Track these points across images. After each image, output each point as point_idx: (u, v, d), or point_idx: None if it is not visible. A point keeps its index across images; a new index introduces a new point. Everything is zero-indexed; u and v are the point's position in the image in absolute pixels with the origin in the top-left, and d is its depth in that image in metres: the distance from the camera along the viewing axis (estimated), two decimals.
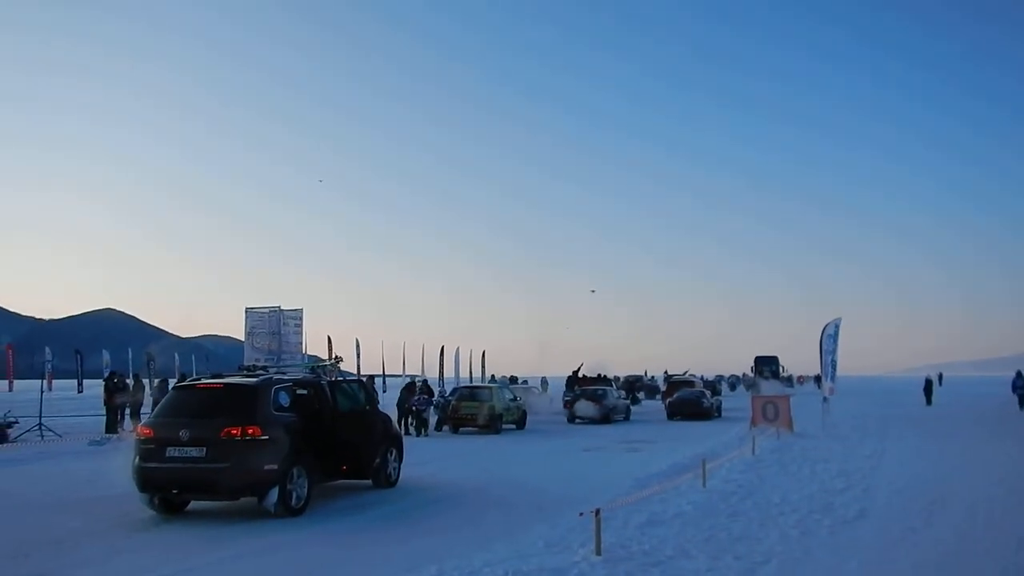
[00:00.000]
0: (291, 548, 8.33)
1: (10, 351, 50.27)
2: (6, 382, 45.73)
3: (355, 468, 11.35)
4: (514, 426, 25.79)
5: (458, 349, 40.82)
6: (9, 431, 19.90)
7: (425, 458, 16.05)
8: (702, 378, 45.94)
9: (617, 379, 39.33)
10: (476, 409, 24.33)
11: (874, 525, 8.92)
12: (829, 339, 25.51)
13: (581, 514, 7.77)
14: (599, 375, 35.99)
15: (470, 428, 24.15)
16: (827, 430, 21.80)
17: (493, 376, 40.16)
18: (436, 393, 25.02)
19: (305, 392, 11.24)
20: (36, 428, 20.45)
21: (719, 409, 32.69)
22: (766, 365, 57.33)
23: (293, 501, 9.84)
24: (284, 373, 11.92)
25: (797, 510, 9.75)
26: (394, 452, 12.42)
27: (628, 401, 33.03)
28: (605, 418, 28.20)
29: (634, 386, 44.55)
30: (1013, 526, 8.62)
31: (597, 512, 7.44)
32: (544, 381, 44.88)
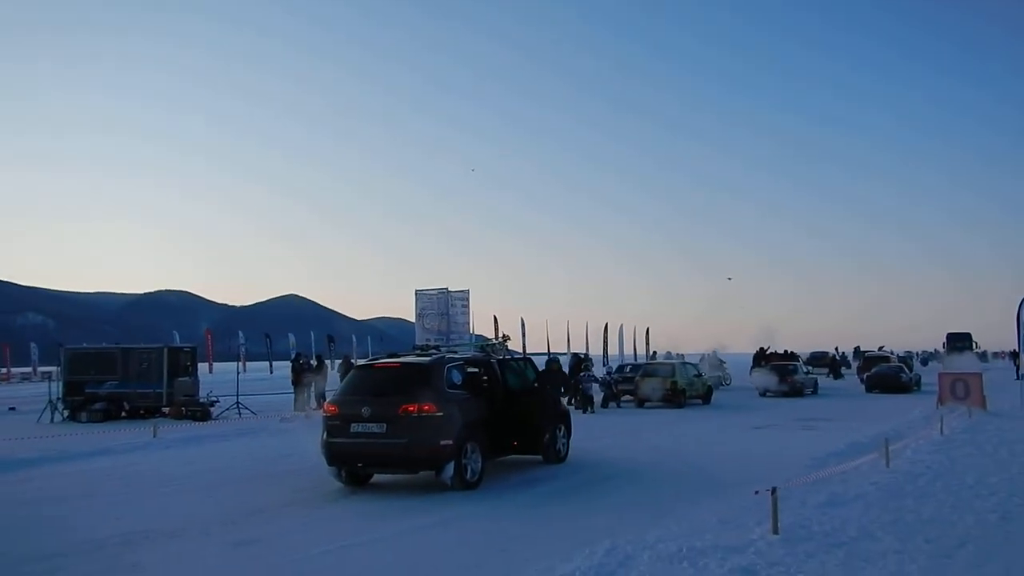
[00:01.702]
0: (468, 520, 8.67)
1: (209, 336, 54.82)
2: (207, 365, 49.97)
3: (525, 444, 11.63)
4: (700, 401, 26.54)
5: (622, 326, 40.75)
6: (212, 409, 21.81)
7: (594, 434, 16.20)
8: (893, 354, 45.35)
9: (799, 356, 39.00)
10: (659, 384, 25.25)
11: None
12: None
13: (756, 492, 7.60)
14: (787, 352, 36.72)
15: (655, 403, 25.03)
16: None
17: (670, 353, 39.55)
18: (591, 370, 25.37)
19: (476, 370, 11.61)
20: (234, 407, 22.19)
21: (918, 383, 32.88)
22: (959, 341, 56.63)
23: (468, 475, 10.23)
24: (455, 352, 12.35)
25: (995, 493, 9.08)
26: (563, 428, 12.62)
27: (815, 377, 34.00)
28: (797, 392, 29.64)
29: (836, 363, 47.21)
30: None
31: (774, 491, 7.25)
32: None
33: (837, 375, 44.55)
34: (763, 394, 30.09)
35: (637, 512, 8.67)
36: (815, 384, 32.53)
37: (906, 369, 34.65)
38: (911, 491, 9.22)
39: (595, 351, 38.42)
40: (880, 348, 47.84)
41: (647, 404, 25.35)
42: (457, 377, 10.84)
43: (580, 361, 26.55)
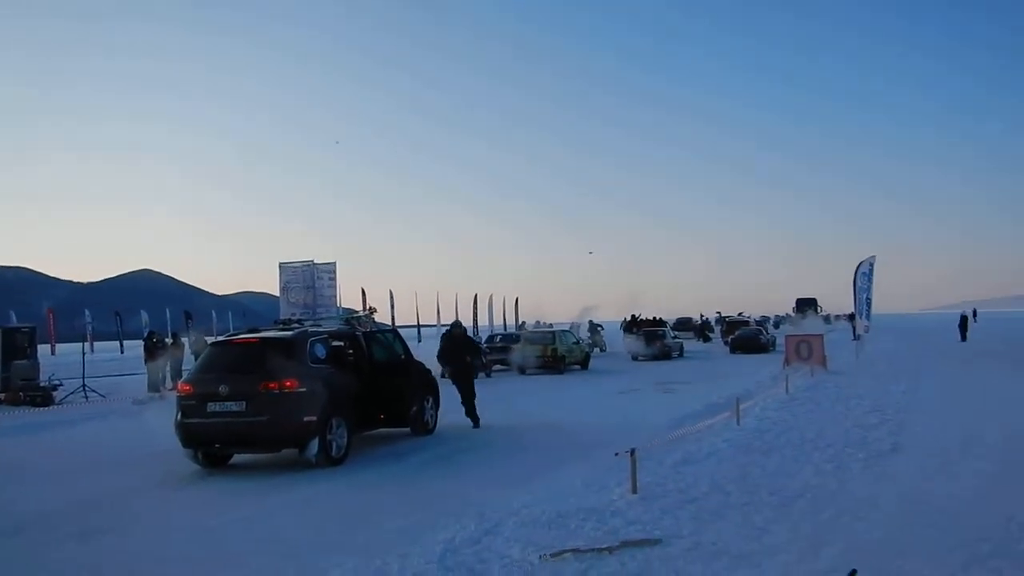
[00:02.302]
0: (334, 496, 8.57)
1: (51, 315, 51.38)
2: (48, 346, 46.82)
3: (393, 416, 11.58)
4: (578, 366, 28.15)
5: (491, 297, 41.10)
6: (54, 393, 20.41)
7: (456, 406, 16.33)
8: (751, 318, 50.52)
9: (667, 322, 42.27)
10: (540, 351, 26.56)
11: (908, 459, 8.93)
12: (863, 277, 25.34)
13: (617, 454, 7.88)
14: (655, 318, 39.47)
15: (536, 370, 26.26)
16: (861, 367, 21.74)
17: (535, 322, 40.19)
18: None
19: (341, 344, 11.43)
20: (80, 390, 20.94)
21: (774, 344, 35.92)
22: (806, 305, 64.06)
23: (334, 451, 10.08)
24: (319, 326, 12.11)
25: (832, 445, 9.79)
26: (431, 400, 12.63)
27: (681, 341, 37.27)
28: (665, 355, 32.42)
29: (704, 327, 52.14)
30: None
31: (632, 452, 7.54)
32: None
33: (706, 339, 48.49)
34: (635, 358, 32.46)
35: (505, 479, 8.82)
36: (681, 348, 35.35)
37: (765, 332, 38.41)
38: (758, 447, 9.82)
39: (466, 321, 38.60)
40: (740, 313, 52.70)
41: (528, 371, 26.29)
42: (321, 351, 10.63)
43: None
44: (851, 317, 29.95)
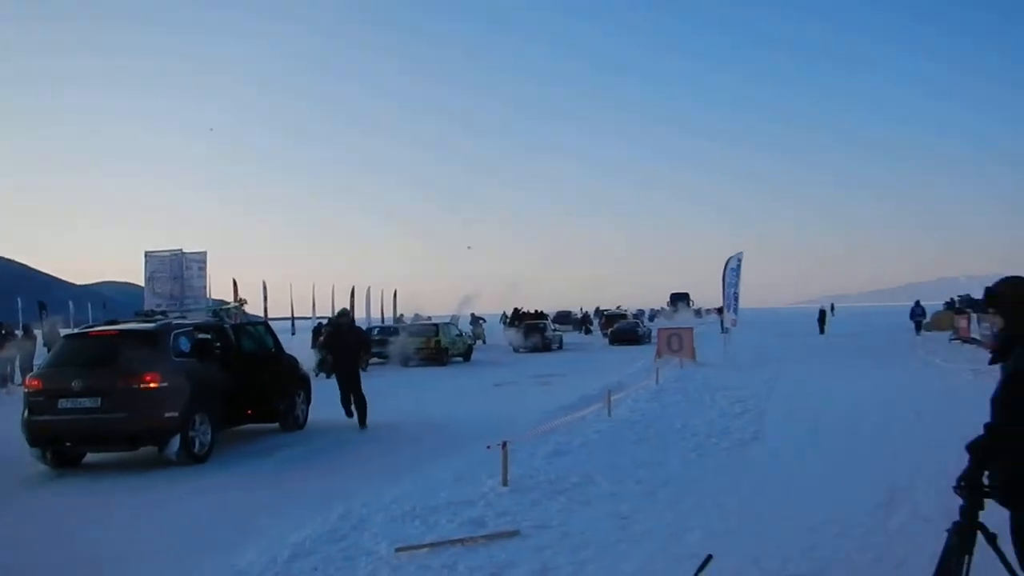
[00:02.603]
0: (198, 495, 8.24)
1: None
2: None
3: (262, 412, 11.22)
4: (461, 358, 28.57)
5: (369, 289, 40.53)
6: None
7: (335, 399, 16.00)
8: (627, 312, 53.22)
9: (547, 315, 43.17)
10: (423, 344, 26.89)
11: (767, 446, 9.37)
12: (732, 272, 26.38)
13: (488, 447, 7.89)
14: (536, 311, 40.55)
15: (419, 362, 26.45)
16: (727, 359, 22.66)
17: (414, 315, 39.89)
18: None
19: (207, 336, 10.98)
20: None
21: (650, 336, 36.86)
22: (679, 300, 65.98)
23: (196, 448, 9.67)
24: (185, 318, 11.60)
25: (697, 435, 10.15)
26: (302, 394, 12.32)
27: (561, 334, 38.03)
28: (546, 347, 33.23)
29: (585, 320, 54.14)
30: (893, 446, 9.17)
31: (504, 445, 7.57)
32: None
33: (587, 331, 50.68)
34: (516, 350, 33.20)
35: (376, 475, 8.68)
36: (561, 340, 36.28)
37: (641, 324, 40.40)
38: (628, 437, 10.07)
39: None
40: (617, 307, 54.81)
41: (411, 363, 26.29)
42: (185, 344, 10.18)
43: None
44: (720, 311, 31.20)
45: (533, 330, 34.25)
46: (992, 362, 3.48)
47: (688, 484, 7.49)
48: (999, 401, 3.28)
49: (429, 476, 8.19)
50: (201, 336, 10.83)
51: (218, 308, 12.62)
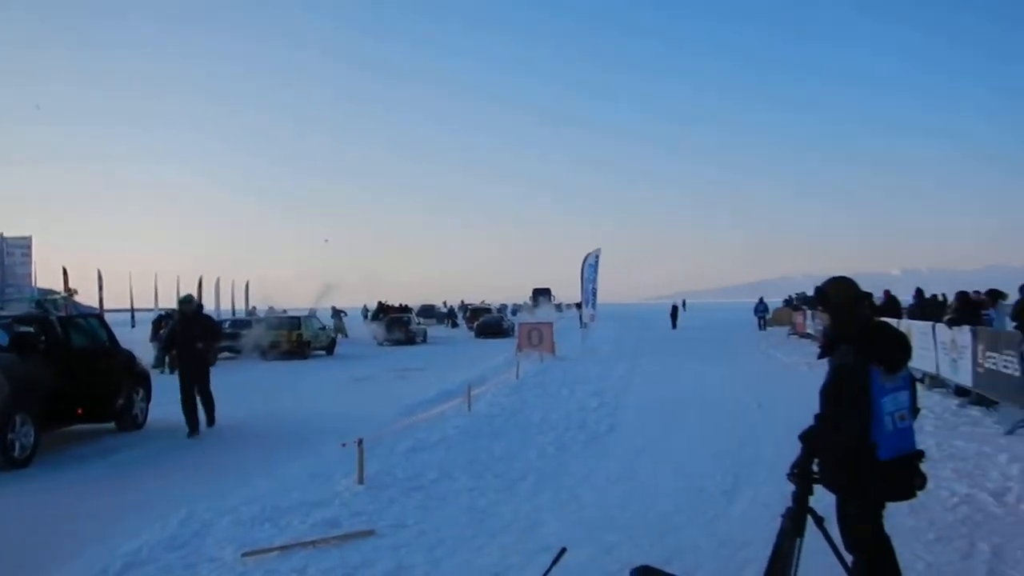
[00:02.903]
0: (14, 503, 7.57)
1: None
2: None
3: (95, 410, 10.44)
4: (324, 352, 28.44)
5: (218, 280, 38.86)
6: None
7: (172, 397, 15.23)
8: (492, 306, 55.30)
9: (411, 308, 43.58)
10: (285, 336, 26.47)
11: (622, 438, 9.60)
12: (590, 268, 27.03)
13: (344, 444, 7.66)
14: (402, 305, 41.38)
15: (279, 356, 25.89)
16: (586, 353, 23.19)
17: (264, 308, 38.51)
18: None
19: (29, 329, 10.08)
20: None
21: (513, 330, 37.49)
22: (541, 294, 68.04)
23: (16, 452, 8.81)
24: (2, 308, 10.63)
25: (555, 428, 10.27)
26: (141, 392, 11.57)
27: (425, 327, 38.86)
28: (410, 340, 33.50)
29: (452, 314, 55.46)
30: (738, 436, 9.60)
31: (360, 442, 7.37)
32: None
33: (454, 324, 51.62)
34: (380, 343, 33.23)
35: (222, 476, 8.24)
36: (425, 333, 36.74)
37: (506, 318, 42.47)
38: (487, 432, 10.06)
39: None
40: (482, 301, 57.39)
41: (270, 357, 25.56)
42: (2, 338, 9.33)
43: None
44: (579, 306, 31.89)
45: (397, 323, 34.43)
46: (820, 357, 3.75)
47: (546, 477, 7.54)
48: (825, 393, 3.54)
49: (280, 476, 7.87)
50: (21, 329, 9.95)
51: (43, 299, 11.58)
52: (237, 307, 39.84)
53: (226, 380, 19.15)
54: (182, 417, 10.98)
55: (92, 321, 11.44)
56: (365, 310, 43.26)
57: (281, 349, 26.04)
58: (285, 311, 33.51)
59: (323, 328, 29.73)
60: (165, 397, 12.09)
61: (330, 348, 29.18)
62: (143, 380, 11.74)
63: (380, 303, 41.22)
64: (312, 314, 33.15)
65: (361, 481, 7.23)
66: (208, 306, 36.98)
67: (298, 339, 26.59)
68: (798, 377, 15.68)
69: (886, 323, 3.96)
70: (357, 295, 43.91)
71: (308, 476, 7.75)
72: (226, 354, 24.92)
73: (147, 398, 11.72)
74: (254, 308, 38.59)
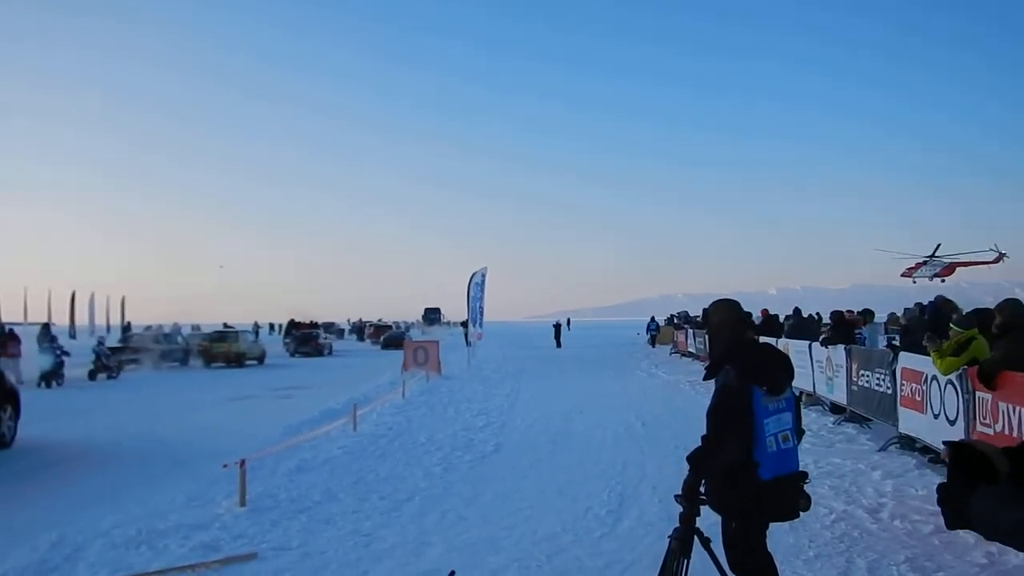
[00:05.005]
0: None
1: None
2: None
3: None
4: (256, 362, 32.12)
5: (93, 295, 37.04)
6: None
7: (55, 412, 14.40)
8: (392, 323, 63.62)
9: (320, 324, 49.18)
10: (224, 348, 30.70)
11: (508, 458, 9.70)
12: (476, 287, 27.18)
13: (225, 466, 7.47)
14: (311, 322, 46.11)
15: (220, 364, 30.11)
16: (472, 371, 23.27)
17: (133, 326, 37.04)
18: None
19: None
20: None
21: None
22: (431, 313, 76.37)
23: None
24: None
25: (441, 448, 10.28)
26: (9, 409, 10.94)
27: (331, 342, 43.58)
28: (319, 352, 38.47)
29: (361, 328, 63.52)
30: (623, 455, 9.84)
31: (242, 463, 7.20)
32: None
33: (361, 338, 59.59)
34: (292, 355, 37.86)
35: (95, 498, 7.88)
36: (331, 347, 41.68)
37: (406, 334, 46.83)
38: (372, 452, 9.99)
39: (62, 320, 34.48)
40: (379, 320, 65.81)
41: (213, 365, 30.02)
42: None
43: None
44: (465, 324, 31.95)
45: (307, 338, 39.36)
46: (705, 378, 3.88)
47: (432, 499, 7.56)
48: (710, 414, 3.66)
49: (157, 498, 7.59)
50: None
51: None
52: (112, 322, 38.18)
53: (103, 396, 18.34)
54: (54, 436, 10.42)
55: None
56: (271, 326, 48.79)
57: (221, 359, 30.18)
58: (162, 327, 32.84)
59: (255, 341, 34.27)
60: (37, 414, 11.48)
61: (261, 359, 32.71)
62: (12, 397, 11.11)
63: (291, 320, 45.21)
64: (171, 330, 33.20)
65: (243, 503, 7.07)
66: (80, 321, 35.36)
67: (236, 351, 30.69)
68: (680, 395, 16.25)
69: (768, 345, 4.10)
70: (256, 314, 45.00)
71: (186, 498, 7.53)
72: (131, 367, 26.87)
73: (15, 416, 11.09)
74: (129, 323, 37.07)
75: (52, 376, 21.67)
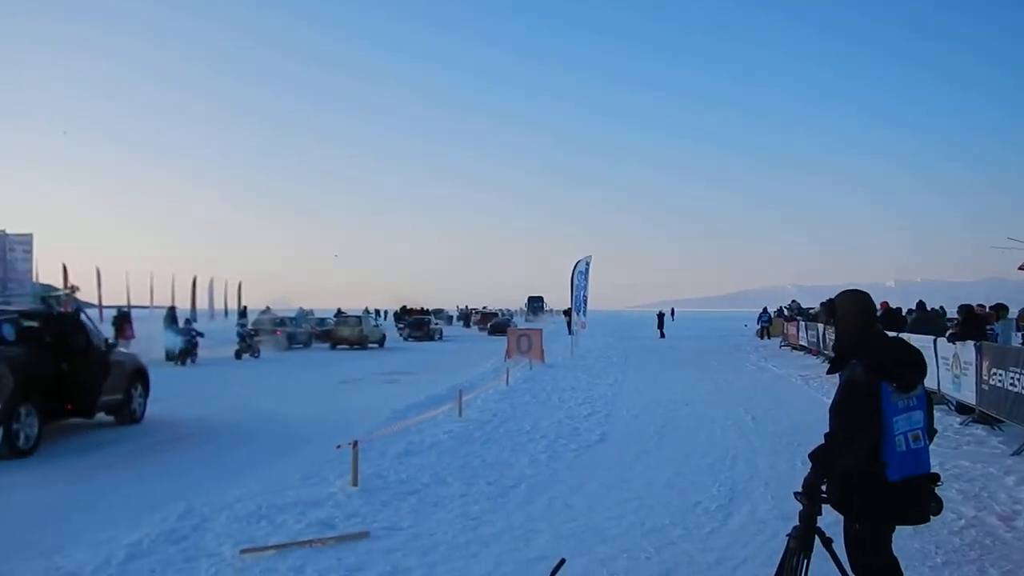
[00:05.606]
0: (23, 490, 7.66)
1: None
2: None
3: (84, 405, 10.46)
4: (377, 345, 34.62)
5: (212, 280, 38.92)
6: None
7: (176, 392, 15.22)
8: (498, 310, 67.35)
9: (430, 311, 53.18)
10: (350, 331, 33.48)
11: (613, 448, 9.65)
12: (580, 276, 27.07)
13: (339, 446, 7.71)
14: (421, 308, 50.68)
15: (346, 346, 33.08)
16: (575, 360, 23.24)
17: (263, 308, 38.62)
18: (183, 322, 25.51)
19: (34, 324, 10.17)
20: None
21: None
22: (535, 302, 77.26)
23: (21, 441, 8.97)
24: (9, 303, 10.68)
25: (546, 436, 10.33)
26: (139, 387, 11.68)
27: (441, 327, 46.35)
28: (430, 337, 41.08)
29: (467, 315, 68.70)
30: (733, 449, 9.64)
31: (355, 444, 7.42)
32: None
33: (468, 324, 64.48)
34: (406, 339, 40.94)
35: (218, 473, 8.32)
36: (441, 332, 44.52)
37: (512, 321, 50.97)
38: (478, 438, 10.12)
39: (184, 304, 36.50)
40: (484, 307, 68.47)
41: (339, 347, 32.86)
42: (9, 332, 9.48)
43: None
44: (567, 312, 31.92)
45: (419, 324, 42.35)
46: (829, 372, 3.67)
47: (538, 485, 7.60)
48: (835, 410, 3.45)
49: (275, 475, 7.94)
50: (27, 323, 10.03)
51: (46, 295, 11.65)
52: (229, 306, 40.12)
53: (239, 374, 19.28)
54: (179, 413, 11.11)
55: (91, 318, 11.52)
56: (377, 312, 50.90)
57: (349, 341, 32.96)
58: (307, 309, 38.00)
59: (377, 326, 36.34)
60: (166, 393, 12.21)
61: (381, 342, 35.06)
62: (142, 376, 11.84)
63: (403, 307, 49.66)
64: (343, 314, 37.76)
65: (355, 483, 7.28)
66: (201, 305, 37.49)
67: (360, 333, 33.30)
68: (790, 390, 15.80)
69: (899, 338, 3.80)
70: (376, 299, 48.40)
71: (301, 476, 7.81)
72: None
73: (145, 393, 11.82)
74: (245, 308, 38.69)
75: (186, 355, 23.67)
